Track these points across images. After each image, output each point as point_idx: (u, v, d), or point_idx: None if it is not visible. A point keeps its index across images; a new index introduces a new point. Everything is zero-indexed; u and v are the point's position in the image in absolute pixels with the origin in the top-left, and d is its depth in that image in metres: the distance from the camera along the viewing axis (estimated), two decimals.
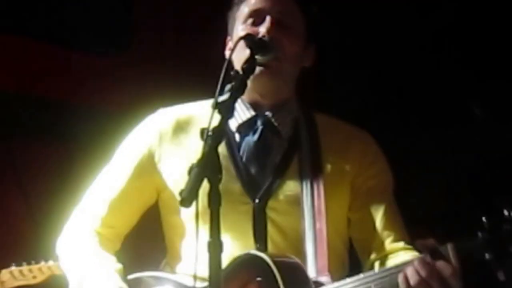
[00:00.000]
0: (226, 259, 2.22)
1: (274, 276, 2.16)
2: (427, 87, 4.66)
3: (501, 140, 4.39)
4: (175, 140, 2.40)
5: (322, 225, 2.33)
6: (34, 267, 3.26)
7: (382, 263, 2.37)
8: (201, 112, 2.41)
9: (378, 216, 2.41)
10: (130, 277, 2.37)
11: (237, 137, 2.40)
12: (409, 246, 2.38)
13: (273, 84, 2.37)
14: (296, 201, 2.36)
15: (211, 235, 1.88)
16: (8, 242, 3.94)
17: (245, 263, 2.23)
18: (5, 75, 4.02)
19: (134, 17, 4.38)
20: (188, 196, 1.82)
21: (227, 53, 2.47)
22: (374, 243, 2.40)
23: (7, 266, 3.26)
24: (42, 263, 3.21)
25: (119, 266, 2.37)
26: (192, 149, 2.27)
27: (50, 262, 3.18)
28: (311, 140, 2.42)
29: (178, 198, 1.83)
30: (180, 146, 2.40)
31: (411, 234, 2.44)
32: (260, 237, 2.32)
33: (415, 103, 4.67)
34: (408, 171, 3.69)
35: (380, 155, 2.49)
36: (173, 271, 2.43)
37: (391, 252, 2.38)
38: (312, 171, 2.37)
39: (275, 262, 2.19)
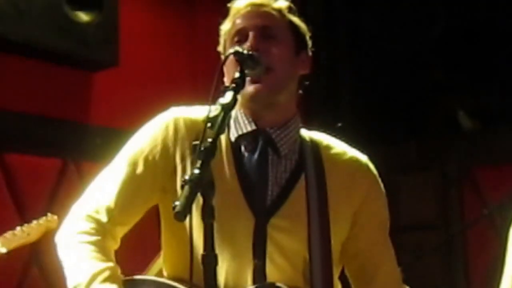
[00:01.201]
0: (224, 273, 2.27)
1: None
2: None
3: None
4: (187, 142, 2.37)
5: (327, 251, 2.35)
6: (26, 226, 3.23)
7: None
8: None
9: (378, 250, 2.45)
10: (125, 279, 2.32)
11: (239, 150, 2.38)
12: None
13: (271, 96, 2.36)
14: (300, 222, 2.35)
15: (205, 249, 1.89)
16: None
17: None
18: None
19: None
20: (182, 210, 1.83)
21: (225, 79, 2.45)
22: (369, 276, 2.44)
23: None
24: (34, 222, 3.17)
25: (116, 270, 2.32)
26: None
27: (43, 218, 3.13)
28: (316, 165, 2.41)
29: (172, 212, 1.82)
30: (190, 149, 2.35)
31: None
32: (260, 254, 2.31)
33: None
34: None
35: (382, 192, 2.49)
36: (168, 277, 2.42)
37: None
38: (318, 195, 2.37)
39: None
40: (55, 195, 4.15)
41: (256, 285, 2.28)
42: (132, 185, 2.38)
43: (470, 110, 5.32)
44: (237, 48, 2.26)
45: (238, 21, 2.40)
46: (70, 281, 2.29)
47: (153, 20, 4.78)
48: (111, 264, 2.29)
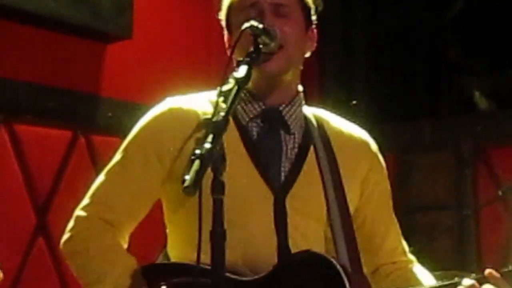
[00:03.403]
0: (242, 251, 2.26)
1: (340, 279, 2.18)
2: None
3: None
4: (186, 131, 2.35)
5: (347, 217, 2.39)
6: None
7: (389, 271, 2.51)
8: (207, 105, 2.40)
9: (384, 220, 2.53)
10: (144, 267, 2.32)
11: (249, 130, 2.38)
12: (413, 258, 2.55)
13: (281, 72, 2.37)
14: (317, 192, 2.38)
15: (214, 225, 1.87)
16: (10, 228, 3.94)
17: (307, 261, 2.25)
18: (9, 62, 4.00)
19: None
20: (192, 185, 1.80)
21: (228, 51, 2.45)
22: (377, 246, 2.50)
23: None
24: None
25: (135, 261, 2.33)
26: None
27: None
28: (322, 138, 2.44)
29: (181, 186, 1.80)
30: (189, 138, 2.34)
31: None
32: (281, 229, 2.32)
33: None
34: None
35: (383, 165, 2.55)
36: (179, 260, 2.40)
37: (400, 262, 2.52)
38: (329, 165, 2.40)
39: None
40: (64, 167, 4.14)
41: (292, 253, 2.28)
42: (135, 183, 2.37)
43: (486, 91, 5.32)
44: (253, 22, 2.24)
45: None
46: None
47: None
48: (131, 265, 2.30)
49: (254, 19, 2.29)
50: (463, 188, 5.17)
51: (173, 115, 2.39)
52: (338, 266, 2.20)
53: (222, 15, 2.48)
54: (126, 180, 2.37)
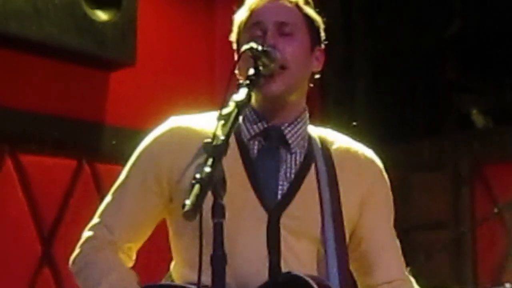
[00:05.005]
0: (237, 271, 2.23)
1: None
2: None
3: None
4: (187, 151, 2.36)
5: (341, 236, 2.36)
6: None
7: None
8: (210, 124, 2.41)
9: (381, 238, 2.47)
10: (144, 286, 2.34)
11: (250, 148, 2.38)
12: (411, 279, 2.48)
13: (283, 93, 2.35)
14: (313, 212, 2.36)
15: (214, 248, 1.89)
16: (15, 258, 3.95)
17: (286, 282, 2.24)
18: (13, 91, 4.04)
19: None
20: (192, 209, 1.81)
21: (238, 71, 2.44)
22: (372, 264, 2.45)
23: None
24: None
25: (135, 274, 2.35)
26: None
27: None
28: (325, 157, 2.42)
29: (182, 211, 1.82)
30: (192, 158, 2.34)
31: None
32: (274, 249, 2.30)
33: None
34: None
35: (387, 183, 2.51)
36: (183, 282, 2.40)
37: (396, 282, 2.44)
38: (329, 185, 2.38)
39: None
40: (69, 196, 4.17)
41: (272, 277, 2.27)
42: (135, 204, 2.39)
43: (483, 109, 5.34)
44: (252, 44, 2.24)
45: (256, 13, 2.39)
46: None
47: (170, 20, 4.79)
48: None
49: (258, 38, 2.31)
50: (461, 205, 5.20)
51: (174, 135, 2.40)
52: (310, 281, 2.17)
53: (233, 37, 2.47)
54: (127, 201, 2.40)
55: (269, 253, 2.29)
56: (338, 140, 2.49)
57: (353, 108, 5.49)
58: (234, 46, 2.48)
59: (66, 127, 4.18)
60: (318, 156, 2.41)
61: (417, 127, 5.44)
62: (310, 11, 2.44)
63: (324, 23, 2.49)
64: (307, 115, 2.45)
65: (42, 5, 3.95)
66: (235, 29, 2.46)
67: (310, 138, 2.44)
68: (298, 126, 2.40)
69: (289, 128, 2.38)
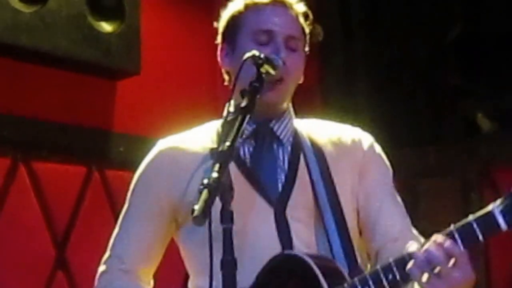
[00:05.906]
0: (250, 272, 2.25)
1: (314, 274, 2.18)
2: None
3: None
4: (182, 168, 2.42)
5: (341, 219, 2.38)
6: None
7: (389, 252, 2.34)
8: (202, 136, 2.46)
9: (378, 199, 2.46)
10: None
11: (242, 150, 2.41)
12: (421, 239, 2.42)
13: (281, 102, 2.43)
14: (312, 199, 2.39)
15: (224, 254, 1.94)
16: (31, 262, 4.01)
17: (282, 264, 2.26)
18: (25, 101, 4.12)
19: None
20: (201, 215, 1.86)
21: (219, 59, 2.50)
22: (375, 230, 2.44)
23: None
24: None
25: None
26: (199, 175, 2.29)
27: None
28: (312, 143, 2.46)
29: (191, 217, 1.87)
30: (189, 175, 2.41)
31: None
32: (286, 239, 2.34)
33: None
34: None
35: (378, 153, 2.52)
36: None
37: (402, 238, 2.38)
38: (319, 168, 2.41)
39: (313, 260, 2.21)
40: (81, 201, 4.22)
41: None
42: (141, 231, 2.45)
43: (488, 113, 5.32)
44: (255, 52, 2.27)
45: (265, 18, 2.41)
46: None
47: (173, 29, 4.82)
48: None
49: (264, 45, 2.35)
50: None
51: (164, 156, 2.47)
52: (312, 264, 2.19)
53: (222, 25, 2.50)
54: (132, 229, 2.47)
55: (282, 244, 2.32)
56: (323, 127, 2.53)
57: (355, 115, 5.45)
58: (220, 37, 2.51)
59: (76, 135, 4.24)
60: (305, 146, 2.44)
61: (422, 133, 5.36)
62: (306, 23, 2.48)
63: (324, 30, 2.54)
64: (292, 110, 2.49)
65: (50, 18, 4.02)
66: (228, 19, 2.49)
67: (296, 130, 2.48)
68: (286, 121, 2.45)
69: (278, 124, 2.44)
